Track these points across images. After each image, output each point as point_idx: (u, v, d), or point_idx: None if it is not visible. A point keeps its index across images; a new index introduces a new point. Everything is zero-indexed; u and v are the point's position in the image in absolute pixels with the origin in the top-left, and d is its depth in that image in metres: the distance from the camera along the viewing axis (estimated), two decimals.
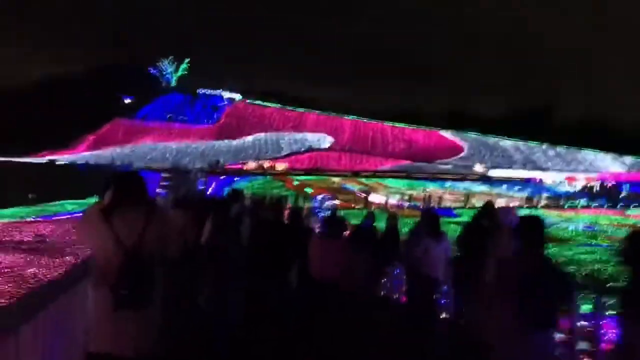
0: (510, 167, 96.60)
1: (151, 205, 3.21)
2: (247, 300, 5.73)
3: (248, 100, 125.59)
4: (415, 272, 6.38)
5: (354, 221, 10.22)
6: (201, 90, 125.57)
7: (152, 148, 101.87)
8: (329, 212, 15.97)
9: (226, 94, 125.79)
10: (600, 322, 5.18)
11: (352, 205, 45.12)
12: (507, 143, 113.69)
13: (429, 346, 5.95)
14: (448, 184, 69.62)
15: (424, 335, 6.14)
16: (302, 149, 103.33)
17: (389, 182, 67.42)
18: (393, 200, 51.53)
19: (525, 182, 75.86)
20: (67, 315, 3.05)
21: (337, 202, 46.69)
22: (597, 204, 55.43)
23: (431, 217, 6.48)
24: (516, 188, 68.62)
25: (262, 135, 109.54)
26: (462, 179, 74.98)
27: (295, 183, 62.08)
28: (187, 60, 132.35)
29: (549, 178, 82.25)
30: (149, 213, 3.07)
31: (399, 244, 8.47)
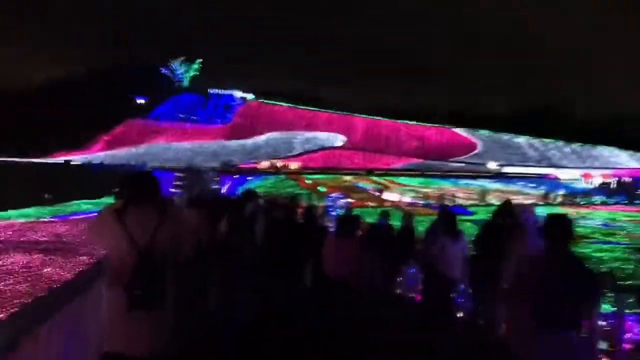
0: (524, 164, 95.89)
1: (165, 205, 3.19)
2: (262, 300, 5.71)
3: (260, 100, 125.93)
4: (432, 270, 6.32)
5: (368, 220, 10.16)
6: (213, 90, 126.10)
7: (166, 148, 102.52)
8: (343, 210, 15.92)
9: (238, 94, 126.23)
10: (619, 321, 5.10)
11: (366, 204, 45.02)
12: (521, 140, 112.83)
13: (445, 345, 5.89)
14: (462, 181, 69.23)
15: (439, 335, 6.07)
16: (315, 148, 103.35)
17: (403, 180, 67.19)
18: (407, 198, 51.36)
19: (541, 179, 75.23)
20: (83, 316, 3.04)
21: (350, 200, 46.63)
22: (614, 201, 54.81)
23: (448, 215, 6.41)
24: (531, 185, 68.07)
25: (274, 134, 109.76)
26: (476, 177, 74.51)
27: (308, 182, 62.11)
28: (199, 60, 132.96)
29: (564, 175, 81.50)
30: (162, 213, 3.05)
31: (415, 242, 8.41)
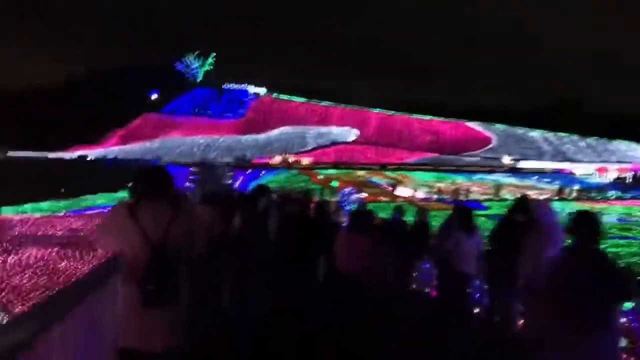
0: (539, 159, 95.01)
1: (178, 200, 3.19)
2: (275, 295, 5.72)
3: (273, 94, 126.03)
4: (446, 265, 6.28)
5: (381, 215, 10.14)
6: (227, 85, 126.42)
7: (180, 142, 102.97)
8: (357, 205, 15.91)
9: (252, 89, 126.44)
10: (639, 318, 5.03)
11: (379, 199, 44.92)
12: (535, 134, 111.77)
13: (460, 341, 5.85)
14: (476, 176, 68.79)
15: (454, 330, 6.04)
16: (328, 143, 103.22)
17: (416, 175, 66.91)
18: (420, 193, 51.15)
19: (555, 174, 74.53)
20: (98, 311, 3.05)
21: (363, 195, 46.56)
22: (630, 196, 54.13)
23: (464, 210, 6.37)
24: (546, 180, 67.46)
25: (287, 129, 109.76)
26: (491, 171, 73.99)
27: (321, 177, 62.08)
28: (212, 55, 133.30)
29: (579, 169, 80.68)
30: (175, 208, 3.04)
31: (429, 237, 8.37)
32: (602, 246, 3.33)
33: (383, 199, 45.71)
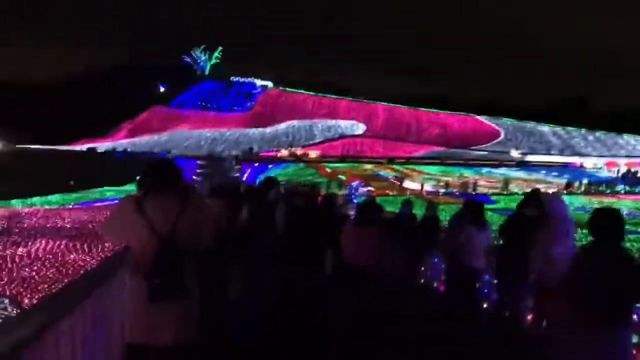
0: (548, 153, 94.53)
1: (186, 192, 3.17)
2: (282, 287, 5.70)
3: (281, 88, 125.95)
4: (455, 260, 6.24)
5: (389, 208, 10.10)
6: (235, 79, 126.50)
7: (188, 135, 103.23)
8: (365, 198, 15.88)
9: (259, 82, 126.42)
10: None
11: (386, 192, 44.86)
12: (544, 128, 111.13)
13: (469, 336, 5.83)
14: (484, 170, 68.54)
15: (463, 325, 6.01)
16: (336, 136, 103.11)
17: (424, 168, 66.75)
18: (428, 187, 51.03)
19: (564, 168, 74.14)
20: (107, 304, 3.05)
21: (370, 189, 46.51)
22: (639, 190, 53.74)
23: (475, 204, 6.34)
24: (554, 174, 67.12)
25: (295, 122, 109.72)
26: (499, 165, 73.71)
27: (329, 170, 62.08)
28: (219, 48, 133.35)
29: (588, 163, 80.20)
30: (183, 200, 3.03)
31: (438, 231, 8.34)
32: (621, 244, 3.28)
33: (390, 192, 45.63)
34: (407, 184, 53.12)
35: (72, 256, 7.24)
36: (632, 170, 68.90)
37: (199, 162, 61.22)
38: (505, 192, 48.00)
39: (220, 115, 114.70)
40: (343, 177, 55.01)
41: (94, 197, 38.72)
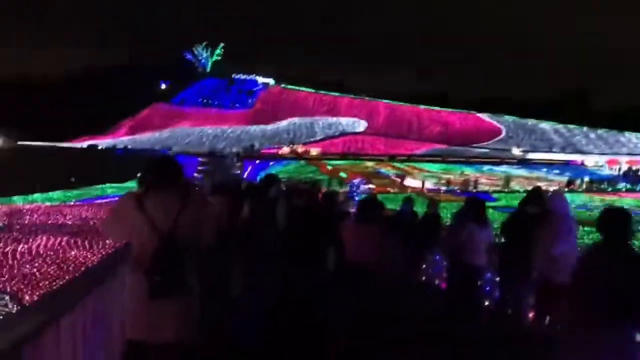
0: (549, 151, 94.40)
1: (187, 189, 3.16)
2: (283, 285, 5.69)
3: (282, 85, 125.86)
4: (457, 257, 6.23)
5: (390, 206, 10.08)
6: (236, 76, 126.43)
7: (189, 133, 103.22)
8: (366, 195, 15.87)
9: (260, 79, 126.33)
10: None
11: (387, 190, 44.84)
12: (546, 126, 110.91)
13: (470, 335, 5.82)
14: (485, 167, 68.47)
15: (464, 323, 6.00)
16: (337, 134, 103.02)
17: (425, 166, 66.69)
18: (429, 184, 50.98)
19: (565, 166, 74.05)
20: (107, 301, 3.04)
21: (372, 186, 46.49)
22: None
23: (476, 202, 6.33)
24: (555, 172, 67.03)
25: (296, 119, 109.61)
26: (500, 163, 73.63)
27: (330, 167, 62.04)
28: (221, 45, 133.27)
29: (590, 161, 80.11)
30: (184, 197, 3.02)
31: (440, 229, 8.33)
32: (630, 243, 3.26)
33: (391, 190, 45.60)
34: (408, 181, 53.06)
35: (73, 253, 7.25)
36: (634, 168, 68.82)
37: (200, 159, 61.21)
38: (506, 190, 47.95)
39: (222, 112, 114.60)
40: (344, 175, 54.98)
41: (95, 193, 38.76)
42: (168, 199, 2.97)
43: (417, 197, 20.66)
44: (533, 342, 5.23)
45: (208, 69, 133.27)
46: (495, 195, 41.15)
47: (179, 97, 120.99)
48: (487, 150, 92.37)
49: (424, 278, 9.31)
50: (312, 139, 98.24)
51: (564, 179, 58.73)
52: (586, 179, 58.46)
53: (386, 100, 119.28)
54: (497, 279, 6.54)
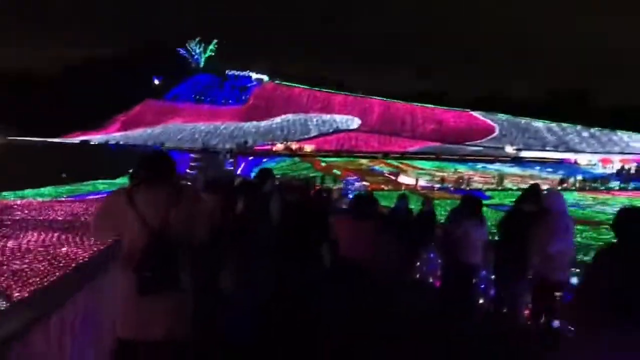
0: (542, 149, 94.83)
1: (179, 185, 3.11)
2: (277, 281, 5.65)
3: (276, 81, 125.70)
4: (452, 255, 6.21)
5: (384, 203, 10.06)
6: (230, 72, 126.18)
7: (182, 129, 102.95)
8: (360, 192, 15.85)
9: (254, 75, 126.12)
10: None
11: (381, 187, 44.87)
12: (539, 124, 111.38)
13: (464, 333, 5.80)
14: (479, 165, 68.70)
15: (459, 322, 5.98)
16: (331, 131, 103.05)
17: (418, 163, 66.81)
18: (422, 182, 51.07)
19: (558, 164, 74.42)
20: (97, 299, 2.99)
21: (365, 183, 46.52)
22: (632, 187, 54.01)
23: (473, 200, 6.31)
24: (548, 170, 67.35)
25: (290, 116, 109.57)
26: (493, 161, 73.90)
27: (324, 164, 62.03)
28: (214, 41, 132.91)
29: (583, 160, 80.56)
30: (177, 193, 2.97)
31: (434, 226, 8.31)
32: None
33: (385, 187, 45.65)
34: (402, 178, 53.14)
35: (64, 249, 7.15)
36: (626, 166, 69.27)
37: (192, 155, 61.07)
38: (499, 188, 48.12)
39: (215, 109, 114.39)
40: (338, 172, 55.00)
41: (86, 189, 38.53)
42: (159, 194, 2.93)
43: (410, 194, 20.69)
44: (529, 340, 5.22)
45: (201, 65, 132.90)
46: (488, 193, 41.21)
47: (172, 92, 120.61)
48: (480, 148, 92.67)
49: (418, 276, 9.28)
50: (306, 136, 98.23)
51: (557, 177, 59.01)
52: (579, 177, 58.79)
53: (380, 98, 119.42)
54: (492, 276, 6.53)
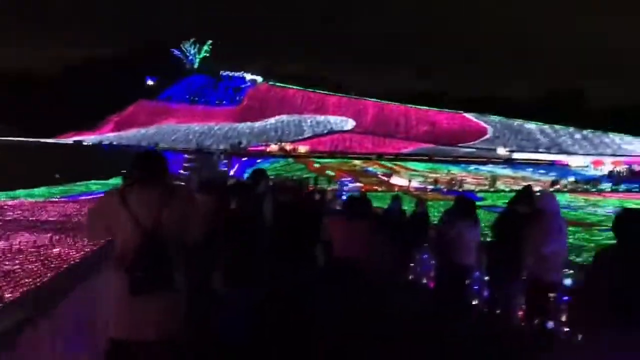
0: (535, 151, 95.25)
1: (173, 185, 3.11)
2: (271, 281, 5.64)
3: (270, 82, 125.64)
4: (447, 256, 6.22)
5: (377, 204, 10.07)
6: (224, 73, 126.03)
7: (176, 129, 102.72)
8: (354, 193, 15.86)
9: (248, 76, 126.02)
10: None
11: (375, 188, 44.91)
12: (532, 126, 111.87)
13: (458, 333, 5.81)
14: (471, 167, 68.92)
15: (452, 323, 5.99)
16: (325, 132, 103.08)
17: (412, 165, 66.94)
18: (415, 183, 51.17)
19: (550, 166, 74.78)
20: (90, 299, 2.97)
21: (359, 185, 46.57)
22: (625, 188, 54.34)
23: (466, 201, 6.32)
24: (541, 171, 67.65)
25: (284, 117, 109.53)
26: (486, 162, 74.16)
27: (317, 165, 62.04)
28: (209, 42, 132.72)
29: (574, 162, 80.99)
30: (170, 193, 2.96)
31: (428, 227, 8.32)
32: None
33: (378, 188, 45.70)
34: (395, 180, 53.22)
35: (56, 250, 7.11)
36: (617, 168, 69.70)
37: (186, 156, 60.94)
38: (492, 190, 48.28)
39: (209, 109, 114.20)
40: (331, 173, 55.02)
41: (79, 190, 38.34)
42: (152, 194, 2.92)
43: (403, 195, 20.72)
44: (522, 341, 5.23)
45: (196, 66, 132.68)
46: (481, 195, 41.34)
47: (165, 93, 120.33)
48: (473, 149, 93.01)
49: (411, 277, 9.29)
50: (300, 137, 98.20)
51: (550, 178, 59.28)
52: (571, 179, 59.08)
53: (374, 99, 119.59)
54: (486, 277, 6.54)
